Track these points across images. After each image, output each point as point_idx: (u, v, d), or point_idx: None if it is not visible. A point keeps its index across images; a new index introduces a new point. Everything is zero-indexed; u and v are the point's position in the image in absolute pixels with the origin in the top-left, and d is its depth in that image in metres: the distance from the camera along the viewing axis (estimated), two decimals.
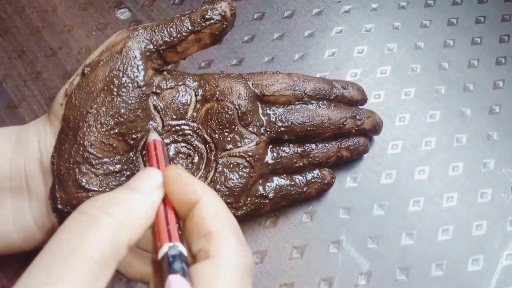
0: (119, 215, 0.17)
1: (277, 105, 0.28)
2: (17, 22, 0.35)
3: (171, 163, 0.25)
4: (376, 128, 0.31)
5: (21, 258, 0.27)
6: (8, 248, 0.24)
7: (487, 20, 0.38)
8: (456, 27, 0.38)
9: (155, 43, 0.25)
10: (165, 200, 0.19)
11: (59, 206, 0.23)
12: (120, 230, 0.17)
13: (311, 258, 0.29)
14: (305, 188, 0.28)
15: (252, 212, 0.27)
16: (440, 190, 0.31)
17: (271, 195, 0.27)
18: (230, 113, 0.26)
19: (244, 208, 0.26)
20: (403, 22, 0.38)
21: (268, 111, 0.28)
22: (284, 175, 0.28)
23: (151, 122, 0.25)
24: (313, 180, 0.29)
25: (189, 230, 0.19)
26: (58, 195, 0.23)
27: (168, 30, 0.25)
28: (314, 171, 0.29)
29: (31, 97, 0.32)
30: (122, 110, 0.24)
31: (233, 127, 0.26)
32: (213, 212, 0.19)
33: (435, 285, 0.28)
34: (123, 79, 0.24)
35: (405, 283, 0.28)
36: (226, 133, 0.26)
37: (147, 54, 0.25)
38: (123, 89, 0.24)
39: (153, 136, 0.24)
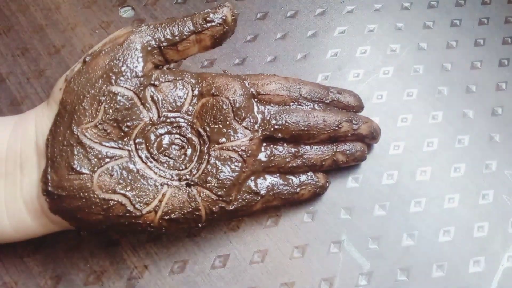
0: None
1: (272, 104, 0.28)
2: (20, 19, 0.35)
3: (165, 153, 0.26)
4: (373, 134, 0.31)
5: (22, 255, 0.27)
6: (0, 235, 0.25)
7: (491, 22, 0.38)
8: (459, 28, 0.38)
9: (157, 39, 0.26)
10: None
11: (50, 189, 0.23)
12: None
13: (312, 258, 0.29)
14: (298, 189, 0.28)
15: (243, 208, 0.27)
16: (442, 191, 0.31)
17: (263, 192, 0.27)
18: (224, 107, 0.27)
19: (235, 203, 0.26)
20: (406, 23, 0.38)
21: (263, 109, 0.28)
22: (278, 175, 0.28)
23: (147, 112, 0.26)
24: (306, 182, 0.29)
25: None
26: (49, 177, 0.23)
27: (171, 28, 0.26)
28: (308, 173, 0.29)
29: (34, 95, 0.32)
30: (119, 97, 0.25)
31: (227, 121, 0.27)
32: None
33: (436, 286, 0.28)
34: (122, 68, 0.25)
35: (406, 283, 0.28)
36: (220, 127, 0.27)
37: (148, 48, 0.26)
38: (121, 77, 0.25)
39: None
